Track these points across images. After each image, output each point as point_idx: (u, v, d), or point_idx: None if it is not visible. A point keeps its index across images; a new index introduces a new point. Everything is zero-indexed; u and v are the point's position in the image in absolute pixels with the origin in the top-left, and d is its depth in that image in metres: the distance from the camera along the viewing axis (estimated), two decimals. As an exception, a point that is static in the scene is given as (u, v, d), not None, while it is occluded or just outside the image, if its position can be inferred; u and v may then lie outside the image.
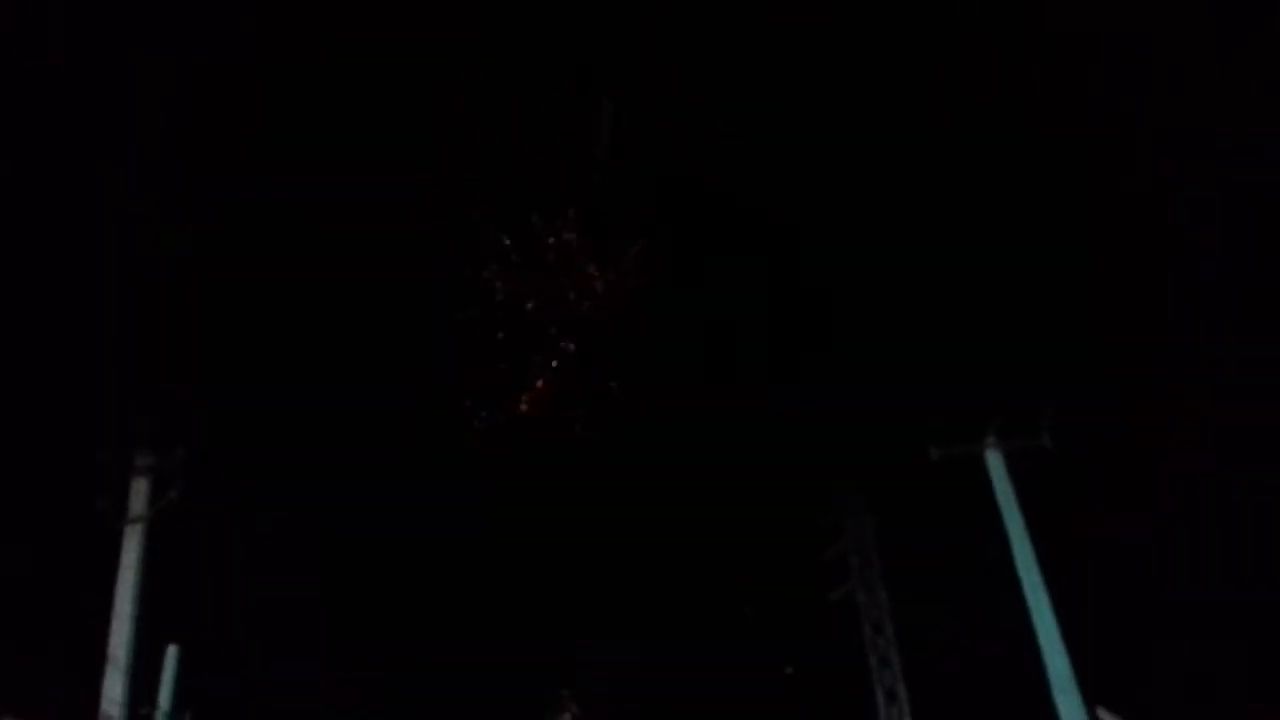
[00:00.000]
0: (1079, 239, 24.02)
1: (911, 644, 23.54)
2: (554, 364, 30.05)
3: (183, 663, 17.40)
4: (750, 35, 26.32)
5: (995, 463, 18.51)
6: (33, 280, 20.98)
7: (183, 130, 23.59)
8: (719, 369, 28.49)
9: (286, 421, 24.80)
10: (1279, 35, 19.22)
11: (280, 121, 25.18)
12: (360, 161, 26.11)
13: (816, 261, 26.90)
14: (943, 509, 21.94)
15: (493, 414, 29.85)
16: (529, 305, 29.71)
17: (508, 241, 29.28)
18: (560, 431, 30.54)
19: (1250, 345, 20.95)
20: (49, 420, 19.89)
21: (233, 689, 20.64)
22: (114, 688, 16.16)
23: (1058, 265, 23.33)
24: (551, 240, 29.45)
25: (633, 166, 28.31)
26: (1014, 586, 18.59)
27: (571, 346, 29.97)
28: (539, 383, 30.01)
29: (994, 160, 24.53)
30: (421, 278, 28.49)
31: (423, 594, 27.64)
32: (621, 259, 29.38)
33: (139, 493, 17.12)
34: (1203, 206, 21.82)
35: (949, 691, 23.69)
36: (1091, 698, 17.78)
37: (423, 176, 27.64)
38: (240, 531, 22.69)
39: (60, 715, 14.19)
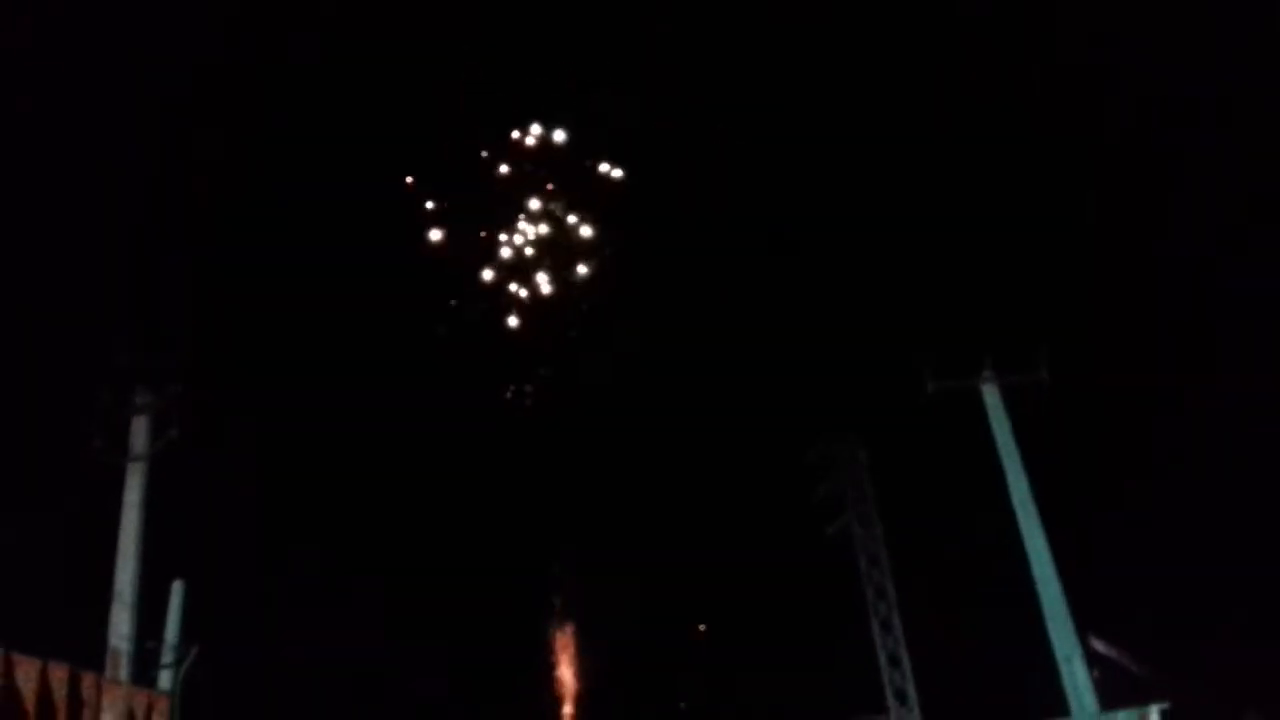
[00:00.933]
0: (1079, 175, 23.89)
1: (906, 575, 23.83)
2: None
3: (188, 597, 17.59)
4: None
5: (991, 396, 18.61)
6: (36, 222, 20.92)
7: (187, 70, 23.49)
8: (717, 304, 28.46)
9: (286, 358, 24.90)
10: None
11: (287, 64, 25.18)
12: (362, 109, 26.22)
13: (814, 195, 26.73)
14: (939, 442, 22.07)
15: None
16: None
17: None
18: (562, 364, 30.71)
19: (1250, 283, 20.93)
20: (50, 361, 19.93)
21: (238, 622, 20.92)
22: (121, 622, 16.46)
23: (1059, 199, 23.20)
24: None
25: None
26: (1009, 519, 18.80)
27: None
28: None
29: (997, 104, 24.38)
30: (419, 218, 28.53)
31: (425, 521, 27.88)
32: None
33: (139, 431, 17.26)
34: (1200, 146, 21.67)
35: (943, 620, 24.03)
36: (1084, 627, 18.06)
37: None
38: (242, 467, 22.84)
39: (70, 650, 14.39)
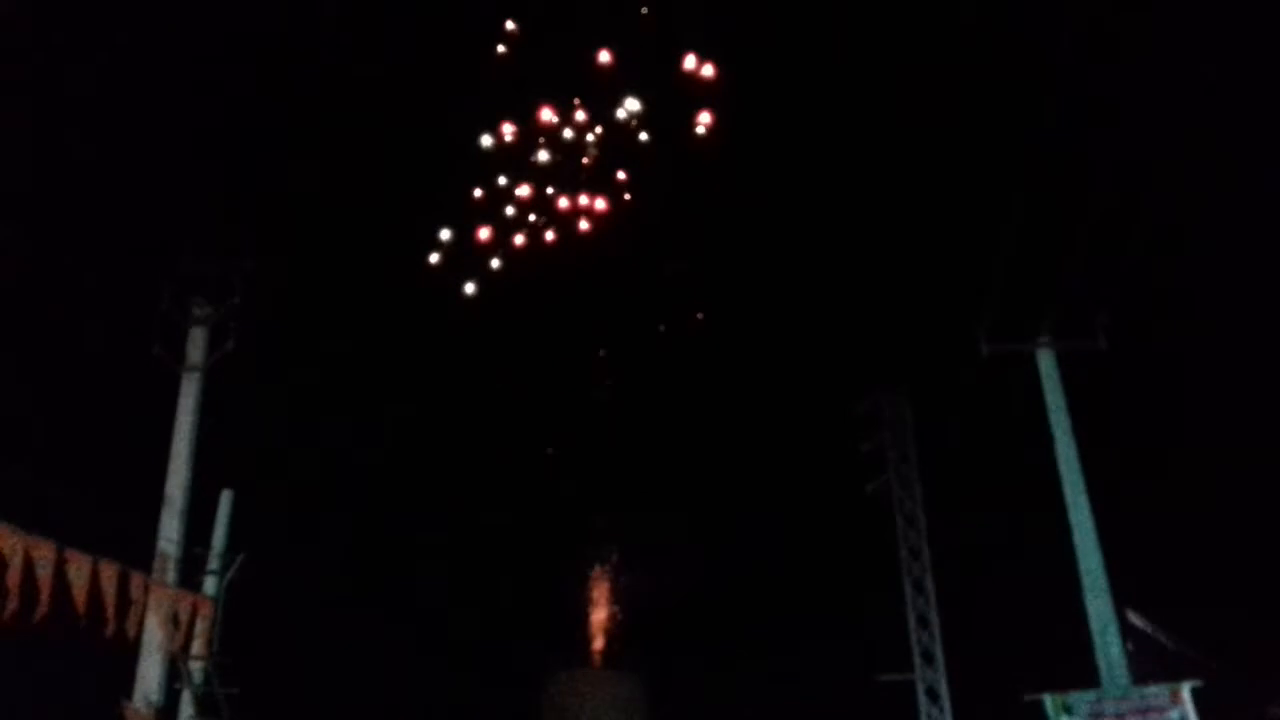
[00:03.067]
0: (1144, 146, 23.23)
1: (943, 538, 23.81)
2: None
3: (236, 508, 17.95)
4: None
5: (1047, 362, 18.36)
6: (101, 132, 21.12)
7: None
8: (769, 254, 28.25)
9: (343, 275, 25.11)
10: None
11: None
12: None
13: (870, 144, 26.27)
14: (988, 407, 21.85)
15: None
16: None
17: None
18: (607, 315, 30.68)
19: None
20: (113, 269, 20.23)
21: (284, 534, 21.32)
22: (170, 527, 16.81)
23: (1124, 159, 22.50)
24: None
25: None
26: (1051, 488, 18.62)
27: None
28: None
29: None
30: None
31: (478, 444, 28.16)
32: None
33: (197, 341, 17.53)
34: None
35: (977, 585, 24.03)
36: (1121, 600, 17.93)
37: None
38: (295, 382, 23.14)
39: (120, 551, 14.76)
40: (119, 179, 21.10)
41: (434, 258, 28.62)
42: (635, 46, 28.09)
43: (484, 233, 28.99)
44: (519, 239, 29.17)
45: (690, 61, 27.89)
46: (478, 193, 29.04)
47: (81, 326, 20.49)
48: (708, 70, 28.07)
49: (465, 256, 29.03)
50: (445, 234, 28.85)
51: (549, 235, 29.34)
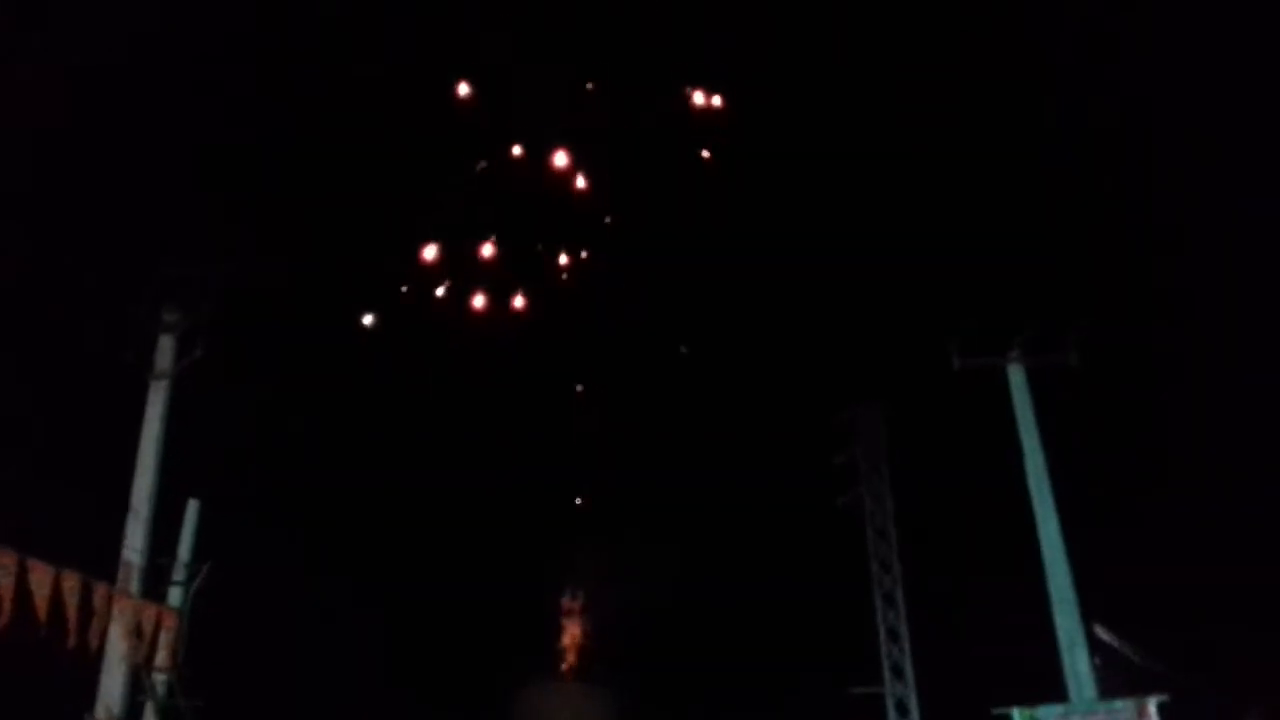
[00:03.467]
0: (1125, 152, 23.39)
1: (913, 552, 23.85)
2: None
3: (202, 517, 17.78)
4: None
5: (1017, 376, 18.51)
6: (78, 139, 20.86)
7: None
8: (743, 265, 28.22)
9: (312, 285, 24.90)
10: None
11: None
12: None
13: (849, 158, 26.33)
14: (960, 421, 21.95)
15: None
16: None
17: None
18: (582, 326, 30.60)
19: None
20: (83, 274, 19.97)
21: (250, 544, 21.08)
22: (135, 536, 16.61)
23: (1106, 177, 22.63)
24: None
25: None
26: (1023, 502, 18.74)
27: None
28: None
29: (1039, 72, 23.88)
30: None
31: (446, 456, 27.97)
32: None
33: (165, 349, 17.36)
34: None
35: (946, 599, 24.10)
36: (1089, 615, 18.05)
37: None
38: (263, 391, 22.90)
39: (84, 560, 14.56)
40: (104, 180, 20.88)
41: (368, 318, 28.39)
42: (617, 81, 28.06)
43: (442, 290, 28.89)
44: (481, 299, 29.06)
45: (685, 91, 27.89)
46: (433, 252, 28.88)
47: (53, 332, 20.21)
48: (715, 101, 28.13)
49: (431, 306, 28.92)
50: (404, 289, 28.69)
51: (519, 299, 29.28)
